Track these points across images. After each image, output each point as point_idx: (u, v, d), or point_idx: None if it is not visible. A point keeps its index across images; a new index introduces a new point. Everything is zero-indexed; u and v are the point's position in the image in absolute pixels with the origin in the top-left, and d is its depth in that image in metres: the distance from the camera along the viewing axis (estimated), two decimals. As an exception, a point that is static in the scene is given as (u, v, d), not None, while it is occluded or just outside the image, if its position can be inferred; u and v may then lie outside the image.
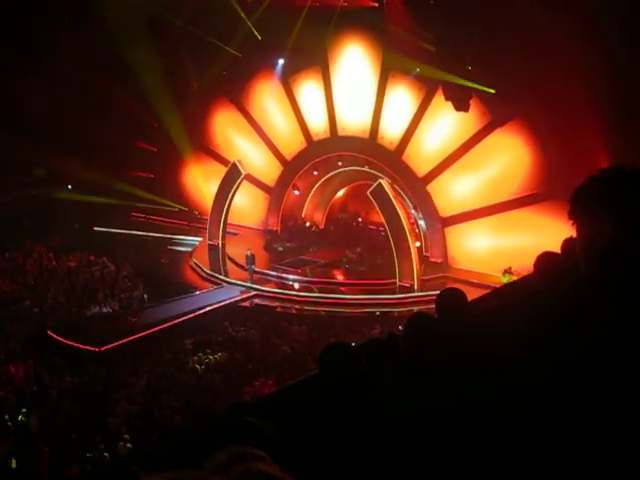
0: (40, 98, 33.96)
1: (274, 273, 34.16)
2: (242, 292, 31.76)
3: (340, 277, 34.68)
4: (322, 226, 42.06)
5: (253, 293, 31.74)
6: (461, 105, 31.45)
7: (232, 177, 36.47)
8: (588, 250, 1.96)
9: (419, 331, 4.78)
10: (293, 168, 39.85)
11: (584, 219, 1.99)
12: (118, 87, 37.56)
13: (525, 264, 7.02)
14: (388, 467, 3.52)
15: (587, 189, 2.00)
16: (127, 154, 41.57)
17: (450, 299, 5.86)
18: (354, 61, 36.08)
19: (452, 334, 5.16)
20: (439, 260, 34.69)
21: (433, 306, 5.87)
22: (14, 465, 16.91)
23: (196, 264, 35.33)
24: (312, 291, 32.33)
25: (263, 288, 32.36)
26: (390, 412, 3.87)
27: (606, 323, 1.92)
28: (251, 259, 33.20)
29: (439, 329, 4.72)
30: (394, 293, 31.57)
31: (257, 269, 33.68)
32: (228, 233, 37.88)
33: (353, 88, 36.45)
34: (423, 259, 33.53)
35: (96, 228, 39.81)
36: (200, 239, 39.08)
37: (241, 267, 34.52)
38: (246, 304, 31.19)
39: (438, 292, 6.13)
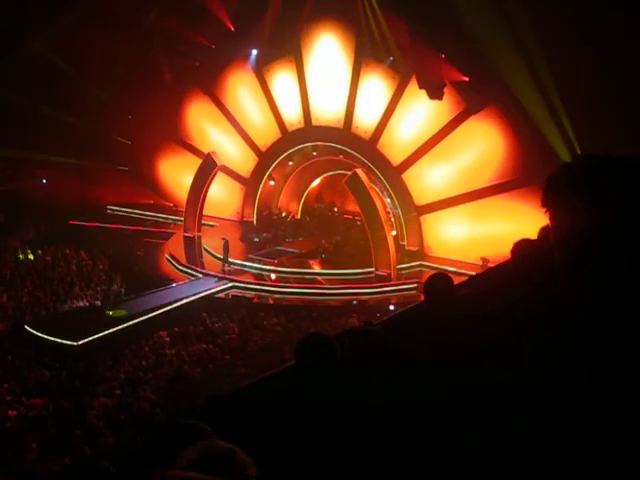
0: (13, 91, 33.79)
1: (251, 264, 34.08)
2: (219, 283, 31.69)
3: (317, 267, 34.67)
4: (298, 216, 42.06)
5: (230, 284, 31.67)
6: (435, 93, 31.52)
7: (207, 169, 36.38)
8: (562, 238, 1.97)
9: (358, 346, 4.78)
10: (268, 159, 39.81)
11: (557, 207, 2.00)
12: (91, 79, 37.40)
13: (501, 251, 7.03)
14: (363, 457, 3.53)
15: (560, 177, 2.00)
16: (102, 147, 41.37)
17: (438, 285, 5.86)
18: (327, 51, 36.02)
19: (436, 322, 5.18)
20: (415, 248, 34.79)
21: (409, 293, 5.90)
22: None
23: (172, 256, 35.17)
24: (288, 282, 32.34)
25: (240, 279, 32.31)
26: (366, 403, 3.88)
27: (581, 310, 1.93)
28: (226, 246, 33.21)
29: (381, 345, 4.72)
30: (371, 282, 31.58)
31: (235, 260, 33.71)
32: (204, 225, 37.81)
33: (327, 78, 36.43)
34: (399, 248, 33.62)
35: (71, 222, 39.62)
36: (176, 231, 38.96)
37: (218, 258, 34.46)
38: (223, 296, 31.14)
39: (423, 280, 6.15)
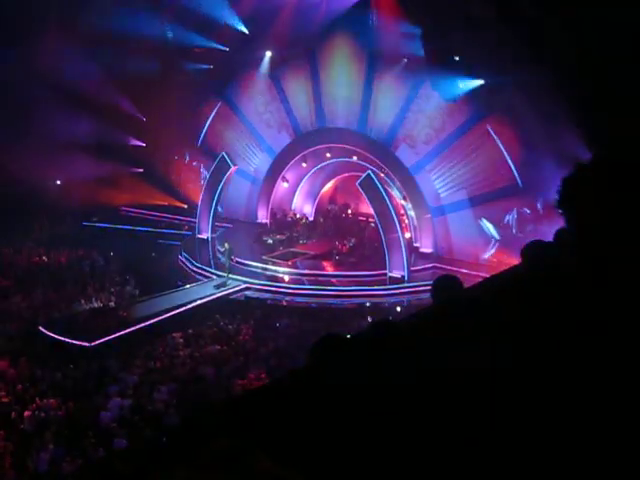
0: (31, 92, 33.99)
1: (264, 265, 34.06)
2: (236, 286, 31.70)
3: (330, 269, 34.63)
4: (312, 218, 42.01)
5: (244, 286, 31.67)
6: (449, 95, 31.52)
7: (221, 170, 36.43)
8: (578, 239, 1.97)
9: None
10: (282, 160, 39.82)
11: (574, 208, 2.01)
12: (107, 82, 37.53)
13: (514, 253, 7.05)
14: (379, 460, 3.53)
15: (575, 179, 2.01)
16: (117, 149, 41.50)
17: (446, 286, 5.85)
18: (341, 52, 35.93)
19: (443, 324, 5.18)
20: (429, 250, 34.73)
21: (424, 297, 5.89)
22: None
23: (186, 258, 35.23)
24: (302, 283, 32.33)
25: (253, 281, 32.31)
26: (383, 402, 3.88)
27: (597, 310, 1.94)
28: (228, 252, 33.05)
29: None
30: (385, 284, 31.56)
31: (248, 262, 33.71)
32: (218, 226, 37.87)
33: (340, 79, 36.38)
34: (413, 250, 33.59)
35: (85, 223, 39.78)
36: (190, 233, 39.03)
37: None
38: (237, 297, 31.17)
39: (432, 281, 6.10)
